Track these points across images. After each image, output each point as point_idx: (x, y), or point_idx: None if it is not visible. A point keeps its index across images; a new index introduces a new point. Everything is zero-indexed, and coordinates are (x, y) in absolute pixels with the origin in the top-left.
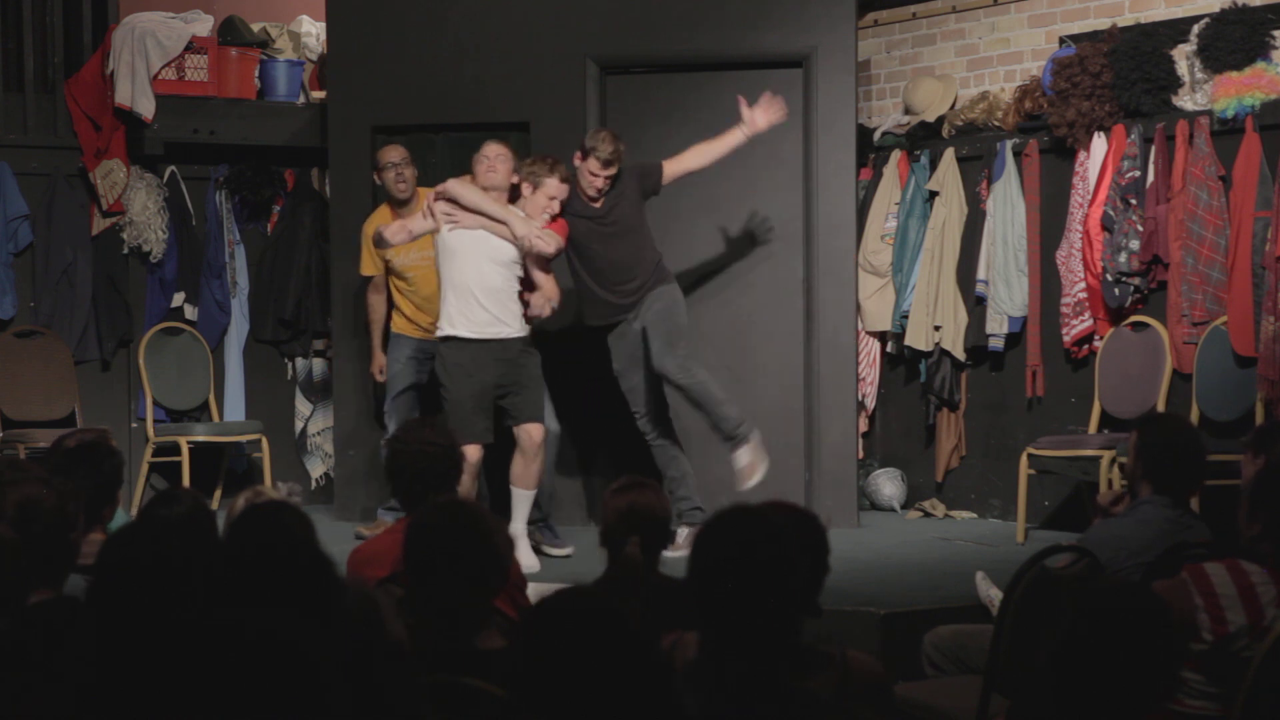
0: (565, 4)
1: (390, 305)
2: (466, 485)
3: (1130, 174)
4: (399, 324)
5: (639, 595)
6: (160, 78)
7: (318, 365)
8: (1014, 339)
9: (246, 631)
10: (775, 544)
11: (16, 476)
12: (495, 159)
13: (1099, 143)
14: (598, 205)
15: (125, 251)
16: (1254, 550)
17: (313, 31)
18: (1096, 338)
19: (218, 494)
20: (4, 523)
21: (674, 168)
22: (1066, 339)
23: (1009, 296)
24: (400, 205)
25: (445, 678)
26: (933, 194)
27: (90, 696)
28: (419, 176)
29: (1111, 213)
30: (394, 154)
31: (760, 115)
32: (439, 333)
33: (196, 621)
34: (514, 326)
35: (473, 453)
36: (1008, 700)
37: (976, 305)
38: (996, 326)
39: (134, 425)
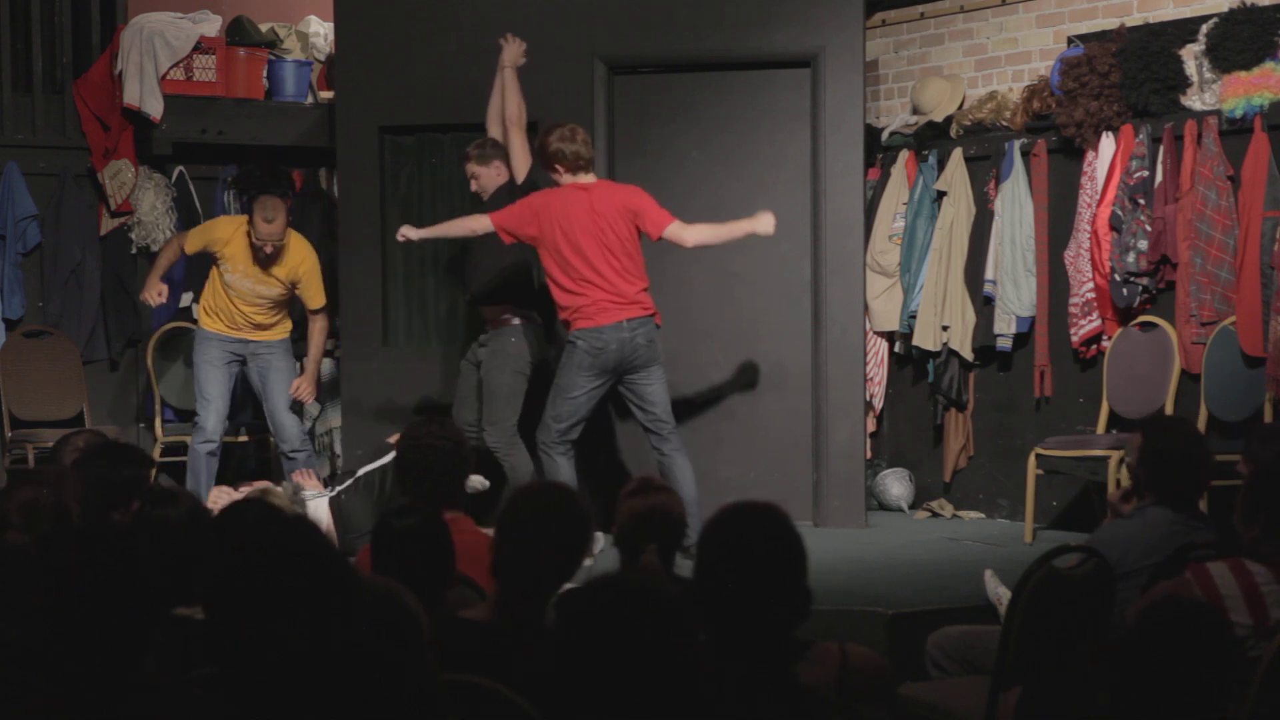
0: (573, 4)
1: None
2: None
3: (1138, 174)
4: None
5: None
6: (168, 78)
7: (326, 365)
8: (1022, 339)
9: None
10: (774, 541)
11: (13, 482)
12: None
13: (1107, 142)
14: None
15: (134, 251)
16: (1257, 550)
17: (320, 32)
18: (1105, 338)
19: None
20: (12, 529)
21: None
22: (1075, 339)
23: (1017, 296)
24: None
25: (463, 677)
26: (941, 194)
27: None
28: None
29: (1120, 213)
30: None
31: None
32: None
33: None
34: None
35: None
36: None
37: (984, 305)
38: (1004, 326)
39: (142, 425)
